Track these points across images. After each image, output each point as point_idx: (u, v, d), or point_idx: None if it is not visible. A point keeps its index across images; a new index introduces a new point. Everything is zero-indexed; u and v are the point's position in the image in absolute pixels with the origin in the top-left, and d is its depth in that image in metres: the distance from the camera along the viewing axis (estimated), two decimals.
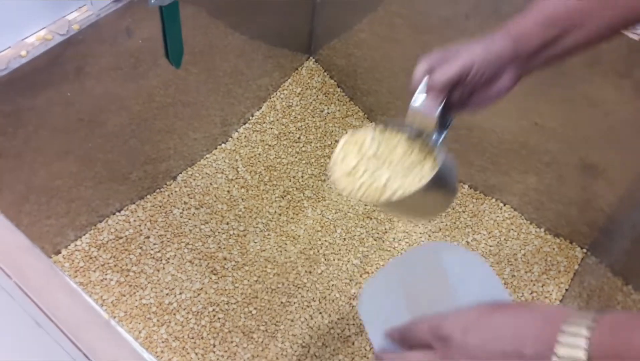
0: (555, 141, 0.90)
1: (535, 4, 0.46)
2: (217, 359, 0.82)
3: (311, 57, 1.13)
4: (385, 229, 0.99)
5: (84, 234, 0.87)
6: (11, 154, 0.69)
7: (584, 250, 0.96)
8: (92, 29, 0.65)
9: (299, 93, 1.10)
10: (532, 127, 0.90)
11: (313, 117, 1.08)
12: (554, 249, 0.97)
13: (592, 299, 0.87)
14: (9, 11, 0.60)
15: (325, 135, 1.07)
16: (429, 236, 0.98)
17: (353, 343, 0.86)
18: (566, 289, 0.93)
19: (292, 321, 0.87)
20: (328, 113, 1.09)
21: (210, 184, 0.99)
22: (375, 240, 0.98)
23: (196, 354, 0.82)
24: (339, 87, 1.12)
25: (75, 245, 0.86)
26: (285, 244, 0.95)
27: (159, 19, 0.69)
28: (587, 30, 0.45)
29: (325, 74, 1.12)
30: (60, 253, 0.85)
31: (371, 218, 1.00)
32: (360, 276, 0.93)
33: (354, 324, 0.88)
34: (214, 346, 0.83)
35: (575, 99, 0.84)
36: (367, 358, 0.85)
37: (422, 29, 0.92)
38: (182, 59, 0.79)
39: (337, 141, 1.08)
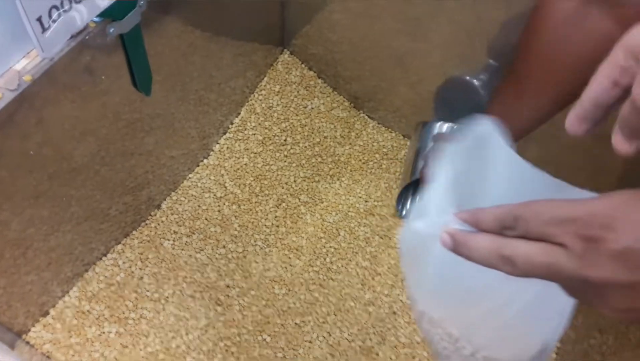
0: None
1: None
2: None
3: (285, 50, 1.04)
4: (390, 225, 0.93)
5: (72, 288, 0.79)
6: None
7: None
8: (48, 75, 0.55)
9: (278, 91, 1.01)
10: None
11: (297, 115, 1.00)
12: None
13: None
14: None
15: (312, 133, 0.99)
16: None
17: (377, 354, 0.82)
18: None
19: (310, 342, 0.82)
20: (312, 108, 1.01)
21: (199, 206, 0.91)
22: (381, 238, 0.92)
23: None
24: (319, 78, 1.03)
25: (64, 302, 0.78)
26: (289, 258, 0.89)
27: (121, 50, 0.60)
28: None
29: (303, 66, 1.03)
30: (48, 313, 0.77)
31: (374, 215, 0.94)
32: (373, 278, 0.88)
33: (374, 333, 0.84)
34: None
35: None
36: None
37: None
38: (152, 84, 0.70)
39: (325, 138, 1.01)
